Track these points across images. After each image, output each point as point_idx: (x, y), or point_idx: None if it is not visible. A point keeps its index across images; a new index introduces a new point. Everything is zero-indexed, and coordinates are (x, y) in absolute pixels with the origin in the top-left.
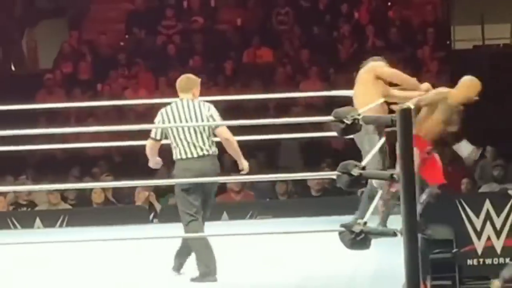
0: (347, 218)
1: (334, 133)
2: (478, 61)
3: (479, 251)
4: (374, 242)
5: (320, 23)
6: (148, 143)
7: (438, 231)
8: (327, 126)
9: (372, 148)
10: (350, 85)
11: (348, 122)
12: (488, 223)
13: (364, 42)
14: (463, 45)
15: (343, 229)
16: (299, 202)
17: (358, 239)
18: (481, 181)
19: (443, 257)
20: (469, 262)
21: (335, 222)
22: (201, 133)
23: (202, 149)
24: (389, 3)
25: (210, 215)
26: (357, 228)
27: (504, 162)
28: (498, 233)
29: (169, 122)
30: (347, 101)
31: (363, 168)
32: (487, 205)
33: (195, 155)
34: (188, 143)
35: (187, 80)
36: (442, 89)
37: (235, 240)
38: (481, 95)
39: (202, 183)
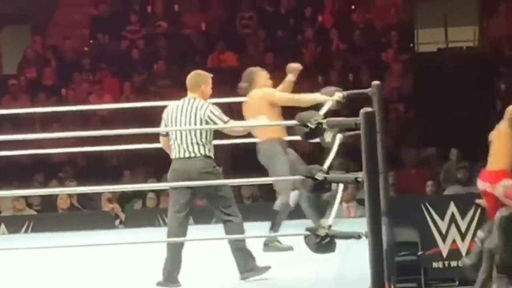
0: (310, 223)
1: (298, 137)
2: (441, 64)
3: (444, 254)
4: (339, 244)
5: (284, 27)
6: (160, 139)
7: (403, 233)
8: (292, 130)
9: (283, 168)
10: (315, 88)
11: (312, 126)
12: (453, 226)
13: (328, 46)
14: (427, 48)
15: (308, 233)
16: (264, 206)
17: (323, 243)
18: (445, 184)
19: (408, 259)
20: (435, 264)
21: (301, 226)
22: (190, 134)
23: (188, 151)
24: (353, 7)
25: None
26: (322, 232)
27: (469, 164)
28: (463, 236)
29: (166, 121)
30: (312, 105)
31: (327, 172)
32: (452, 207)
33: (181, 156)
34: (178, 144)
35: (195, 77)
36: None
37: (198, 245)
38: (445, 98)
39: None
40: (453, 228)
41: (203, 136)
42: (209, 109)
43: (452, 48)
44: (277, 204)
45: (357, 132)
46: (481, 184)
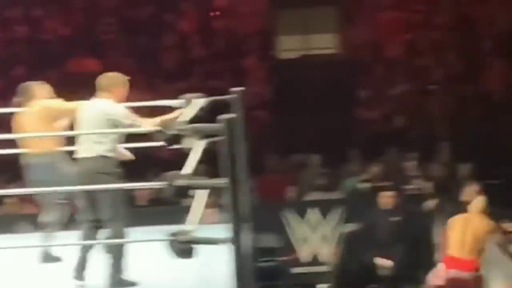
0: (175, 228)
1: (160, 143)
2: (303, 71)
3: (304, 259)
4: (201, 250)
5: (145, 33)
6: None
7: (264, 239)
8: (154, 136)
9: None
10: (175, 95)
11: (173, 132)
12: (311, 232)
13: (189, 52)
14: (288, 55)
15: (171, 238)
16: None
17: (184, 248)
18: (306, 190)
19: (269, 265)
20: (295, 270)
21: (162, 232)
22: (94, 135)
23: (85, 150)
24: (214, 13)
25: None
26: (183, 238)
27: (329, 170)
28: (322, 242)
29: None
30: (172, 111)
31: (189, 178)
32: (310, 213)
33: (79, 156)
34: (79, 143)
35: (105, 79)
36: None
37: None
38: (306, 104)
39: (84, 185)
40: (311, 234)
41: (105, 136)
42: (116, 111)
43: (313, 55)
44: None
45: (218, 138)
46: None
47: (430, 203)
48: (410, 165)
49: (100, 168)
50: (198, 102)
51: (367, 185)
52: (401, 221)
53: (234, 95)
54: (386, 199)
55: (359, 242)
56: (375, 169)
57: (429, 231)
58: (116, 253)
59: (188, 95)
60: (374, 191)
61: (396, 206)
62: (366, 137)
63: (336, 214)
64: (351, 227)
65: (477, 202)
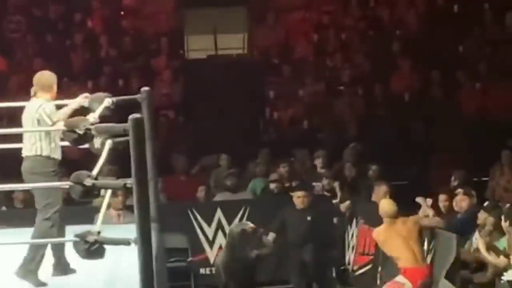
0: (82, 228)
1: (67, 143)
2: (212, 71)
3: (212, 260)
4: (108, 250)
5: (53, 32)
6: None
7: (173, 239)
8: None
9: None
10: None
11: (81, 132)
12: (220, 232)
13: (97, 51)
14: (197, 55)
15: (77, 239)
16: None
17: (92, 249)
18: (215, 190)
19: (178, 265)
20: (202, 270)
21: (70, 232)
22: (28, 134)
23: (24, 150)
24: (122, 12)
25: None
26: (91, 238)
27: (237, 171)
28: None
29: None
30: (80, 111)
31: (96, 178)
32: (219, 213)
33: (22, 155)
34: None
35: (45, 77)
36: None
37: None
38: (215, 105)
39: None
40: (220, 234)
41: (36, 135)
42: (42, 108)
43: (222, 56)
44: None
45: (126, 138)
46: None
47: (341, 203)
48: (319, 165)
49: (33, 168)
50: (105, 102)
51: (275, 185)
52: (313, 221)
53: (142, 95)
54: (299, 199)
55: (245, 241)
56: (283, 169)
57: (340, 230)
58: (35, 247)
59: (95, 95)
60: (282, 192)
61: (308, 206)
62: (275, 138)
63: (243, 215)
64: (241, 225)
65: (385, 206)
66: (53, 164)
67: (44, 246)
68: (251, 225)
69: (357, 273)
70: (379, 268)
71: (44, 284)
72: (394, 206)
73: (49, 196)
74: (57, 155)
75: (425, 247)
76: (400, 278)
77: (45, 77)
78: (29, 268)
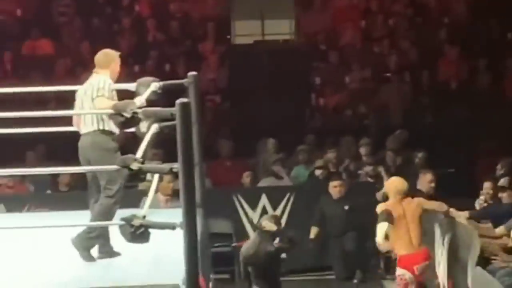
0: (128, 212)
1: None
2: (258, 57)
3: None
4: (153, 234)
5: (101, 15)
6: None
7: (218, 225)
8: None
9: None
10: (130, 78)
11: (128, 115)
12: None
13: (144, 36)
14: (243, 40)
15: (123, 222)
16: (80, 195)
17: (138, 233)
18: (259, 176)
19: (222, 250)
20: None
21: (116, 215)
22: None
23: (84, 127)
24: None
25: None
26: (136, 222)
27: (282, 157)
28: None
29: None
30: (128, 95)
31: (143, 162)
32: (264, 199)
33: (82, 132)
34: (82, 120)
35: (102, 56)
36: None
37: (9, 233)
38: (261, 90)
39: (81, 162)
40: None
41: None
42: (98, 84)
43: (268, 41)
44: None
45: (173, 122)
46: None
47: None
48: (363, 153)
49: (95, 143)
50: (152, 86)
51: (320, 172)
52: (352, 210)
53: (189, 80)
54: (335, 188)
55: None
56: (329, 156)
57: None
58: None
59: (142, 79)
60: (326, 179)
61: (346, 195)
62: (320, 124)
63: (288, 201)
64: (269, 218)
65: (397, 183)
66: (114, 139)
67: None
68: (278, 218)
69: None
70: None
71: (93, 259)
72: (405, 184)
73: (113, 172)
74: (116, 130)
75: (439, 241)
76: (398, 271)
77: (101, 55)
78: (84, 242)
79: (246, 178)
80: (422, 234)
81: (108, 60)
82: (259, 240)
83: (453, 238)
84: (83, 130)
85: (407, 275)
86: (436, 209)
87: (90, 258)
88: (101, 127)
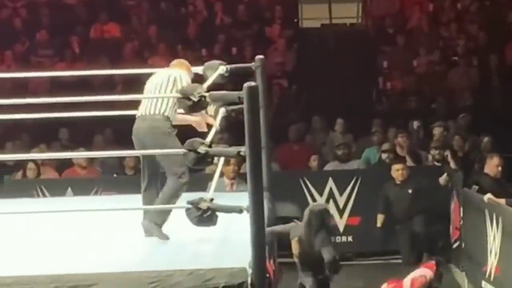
0: (195, 195)
1: (180, 110)
2: (325, 40)
3: None
4: (220, 218)
5: (168, 0)
6: None
7: (284, 208)
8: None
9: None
10: (198, 62)
11: (195, 99)
12: (331, 202)
13: (212, 19)
14: (311, 24)
15: (189, 206)
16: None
17: (204, 216)
18: (326, 159)
19: None
20: None
21: (182, 199)
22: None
23: (144, 110)
24: None
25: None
26: (204, 205)
27: (350, 140)
28: (341, 212)
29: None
30: (195, 78)
31: (210, 145)
32: (331, 183)
33: (138, 115)
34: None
35: (178, 62)
36: None
37: (78, 216)
38: (328, 74)
39: (136, 145)
40: (331, 204)
41: (164, 98)
42: (179, 75)
43: (336, 25)
44: None
45: (240, 106)
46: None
47: (449, 175)
48: (434, 133)
49: (154, 127)
50: (219, 70)
51: (387, 155)
52: (417, 193)
53: (256, 63)
54: (398, 172)
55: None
56: (400, 139)
57: (445, 203)
58: (164, 202)
59: (210, 63)
60: (391, 163)
61: (409, 179)
62: (388, 108)
63: (355, 185)
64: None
65: None
66: (171, 123)
67: (173, 202)
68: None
69: (454, 246)
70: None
71: (167, 237)
72: None
73: (176, 154)
74: (174, 121)
75: (490, 227)
76: (421, 271)
77: (177, 62)
78: (155, 221)
79: (314, 161)
80: None
81: (186, 65)
82: (309, 226)
83: (506, 223)
84: (140, 114)
85: (429, 274)
86: None
87: (163, 236)
88: (162, 111)
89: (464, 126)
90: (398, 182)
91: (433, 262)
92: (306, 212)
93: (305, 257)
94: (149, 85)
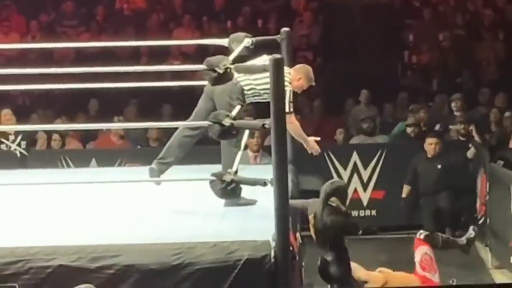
0: (219, 168)
1: (206, 82)
2: (350, 13)
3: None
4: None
5: None
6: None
7: (307, 181)
8: (200, 74)
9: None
10: (223, 34)
11: (220, 71)
12: (355, 176)
13: None
14: None
15: (214, 178)
16: None
17: (228, 188)
18: (351, 133)
19: None
20: None
21: (206, 171)
22: None
23: None
24: None
25: None
26: (227, 178)
27: (375, 114)
28: (364, 186)
29: None
30: (220, 50)
31: (235, 118)
32: (355, 157)
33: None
34: None
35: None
36: None
37: (102, 187)
38: (353, 47)
39: (203, 97)
40: (355, 178)
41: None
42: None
43: None
44: None
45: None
46: None
47: (474, 150)
48: (454, 108)
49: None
50: (245, 42)
51: (411, 129)
52: (445, 169)
53: (281, 36)
54: (431, 146)
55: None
56: (421, 114)
57: (471, 178)
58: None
59: (235, 35)
60: (419, 137)
61: (440, 153)
62: (413, 82)
63: (379, 159)
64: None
65: None
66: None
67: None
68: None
69: (480, 222)
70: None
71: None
72: None
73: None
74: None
75: None
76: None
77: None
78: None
79: (339, 135)
80: None
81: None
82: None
83: None
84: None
85: (428, 250)
86: None
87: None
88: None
89: (488, 100)
90: (429, 156)
91: (418, 237)
92: (322, 189)
93: (319, 234)
94: None
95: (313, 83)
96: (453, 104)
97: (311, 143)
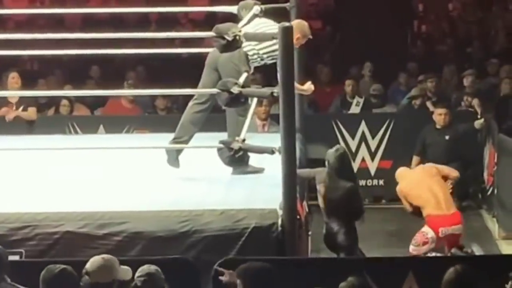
0: (224, 135)
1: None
2: None
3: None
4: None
5: None
6: None
7: (315, 150)
8: (209, 41)
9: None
10: (233, 1)
11: (229, 38)
12: (363, 145)
13: None
14: None
15: (221, 146)
16: (178, 117)
17: (236, 156)
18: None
19: None
20: None
21: (214, 138)
22: None
23: None
24: None
25: None
26: (235, 145)
27: (383, 83)
28: (372, 155)
29: None
30: (229, 17)
31: (243, 86)
32: (363, 126)
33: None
34: None
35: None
36: None
37: (109, 153)
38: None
39: (206, 69)
40: (363, 147)
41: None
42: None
43: None
44: None
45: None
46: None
47: (482, 121)
48: (465, 81)
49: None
50: (254, 9)
51: (420, 100)
52: (454, 140)
53: (291, 4)
54: (440, 116)
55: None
56: (429, 84)
57: (479, 149)
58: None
59: (244, 2)
60: (427, 107)
61: (449, 124)
62: (422, 51)
63: (387, 128)
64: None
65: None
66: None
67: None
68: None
69: (488, 193)
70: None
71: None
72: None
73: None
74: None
75: None
76: (424, 228)
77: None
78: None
79: (348, 86)
80: (449, 198)
81: None
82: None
83: None
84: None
85: (430, 234)
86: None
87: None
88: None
89: (496, 72)
90: (438, 127)
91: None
92: (326, 157)
93: (329, 203)
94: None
95: (310, 36)
96: (464, 80)
97: (306, 87)
